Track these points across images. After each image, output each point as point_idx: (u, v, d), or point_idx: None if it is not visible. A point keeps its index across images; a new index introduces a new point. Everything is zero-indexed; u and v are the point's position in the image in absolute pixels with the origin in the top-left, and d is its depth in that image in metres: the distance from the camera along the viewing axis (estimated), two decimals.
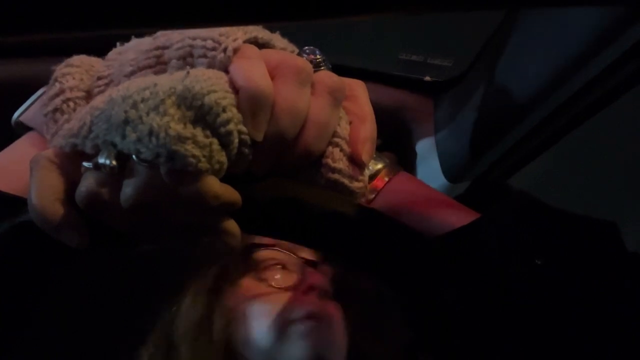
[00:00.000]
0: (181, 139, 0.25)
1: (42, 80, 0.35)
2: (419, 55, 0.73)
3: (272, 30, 0.32)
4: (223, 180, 0.28)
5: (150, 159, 0.25)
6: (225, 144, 0.27)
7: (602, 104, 0.51)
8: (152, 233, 0.29)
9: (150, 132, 0.25)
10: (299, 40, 0.34)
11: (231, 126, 0.26)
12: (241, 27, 0.30)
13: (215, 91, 0.26)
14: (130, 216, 0.27)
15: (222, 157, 0.27)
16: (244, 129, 0.27)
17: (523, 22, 0.55)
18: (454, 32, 0.70)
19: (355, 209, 0.31)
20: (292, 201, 0.30)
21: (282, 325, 0.53)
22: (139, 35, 0.34)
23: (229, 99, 0.27)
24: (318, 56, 0.33)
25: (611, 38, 0.46)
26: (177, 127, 0.25)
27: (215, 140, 0.26)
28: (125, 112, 0.26)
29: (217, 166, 0.26)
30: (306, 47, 0.33)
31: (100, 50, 0.37)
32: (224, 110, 0.26)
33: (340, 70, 0.33)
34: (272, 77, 0.28)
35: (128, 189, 0.26)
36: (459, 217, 0.32)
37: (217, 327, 0.56)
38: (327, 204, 0.30)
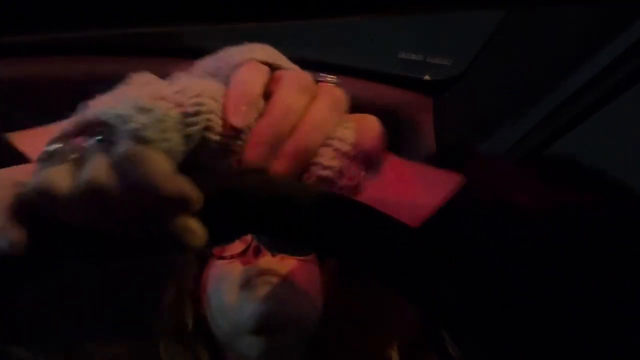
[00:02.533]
0: (141, 109, 0.27)
1: (42, 81, 0.35)
2: (419, 54, 0.73)
3: (272, 30, 0.32)
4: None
5: (111, 120, 0.27)
6: (189, 123, 0.28)
7: (602, 103, 0.51)
8: (110, 227, 0.28)
9: (123, 101, 0.27)
10: (299, 40, 0.34)
11: (201, 108, 0.28)
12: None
13: (197, 84, 0.29)
14: (83, 207, 0.26)
15: (175, 136, 0.28)
16: (213, 117, 0.29)
17: (522, 21, 0.55)
18: (453, 32, 0.70)
19: (345, 204, 0.31)
20: (283, 199, 0.30)
21: (238, 287, 0.56)
22: (138, 35, 0.34)
23: (209, 91, 0.29)
24: (329, 78, 0.34)
25: (611, 36, 0.46)
26: (143, 100, 0.27)
27: (173, 119, 0.27)
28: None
29: (166, 144, 0.27)
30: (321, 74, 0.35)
31: (100, 48, 0.37)
32: (197, 95, 0.28)
33: (340, 69, 0.33)
34: (276, 87, 0.29)
35: (80, 175, 0.26)
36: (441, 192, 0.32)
37: (187, 311, 0.60)
38: (316, 202, 0.30)
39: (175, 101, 0.28)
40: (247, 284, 0.56)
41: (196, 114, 0.28)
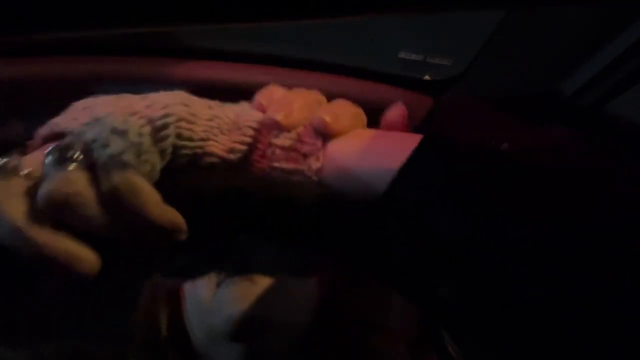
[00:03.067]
0: (115, 130, 0.27)
1: (42, 81, 0.35)
2: (419, 54, 0.73)
3: (272, 30, 0.33)
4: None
5: (89, 140, 0.26)
6: (160, 138, 0.28)
7: (602, 103, 0.51)
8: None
9: (95, 119, 0.27)
10: (299, 40, 0.34)
11: (169, 119, 0.28)
12: None
13: (165, 95, 0.30)
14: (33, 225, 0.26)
15: (152, 157, 0.28)
16: (184, 125, 0.29)
17: (522, 21, 0.55)
18: (453, 32, 0.70)
19: (345, 205, 0.31)
20: (283, 200, 0.30)
21: (215, 282, 0.49)
22: (138, 35, 0.34)
23: (178, 101, 0.29)
24: None
25: (611, 36, 0.46)
26: (114, 120, 0.27)
27: (146, 140, 0.28)
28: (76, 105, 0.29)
29: (147, 166, 0.28)
30: None
31: (100, 48, 0.37)
32: (165, 107, 0.29)
33: (340, 69, 0.33)
34: None
35: (44, 185, 0.25)
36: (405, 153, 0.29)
37: (162, 313, 0.53)
38: (316, 202, 0.30)
39: (147, 116, 0.28)
40: (223, 279, 0.49)
41: (164, 127, 0.28)
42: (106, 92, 0.31)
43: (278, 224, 0.32)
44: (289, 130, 0.32)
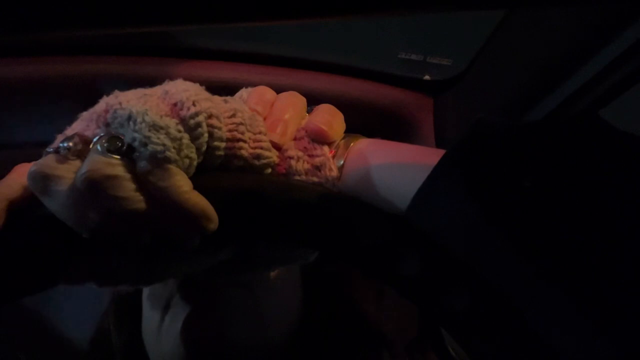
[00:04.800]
0: (155, 127, 0.27)
1: (42, 81, 0.35)
2: (419, 54, 0.73)
3: (272, 30, 0.33)
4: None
5: (128, 142, 0.27)
6: (195, 136, 0.28)
7: (602, 103, 0.51)
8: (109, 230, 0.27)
9: (129, 117, 0.27)
10: (299, 40, 0.34)
11: (200, 118, 0.29)
12: None
13: (187, 90, 0.30)
14: (76, 202, 0.26)
15: (191, 152, 0.28)
16: (215, 122, 0.29)
17: (522, 21, 0.55)
18: (453, 32, 0.70)
19: (350, 206, 0.31)
20: (287, 201, 0.30)
21: (164, 299, 0.42)
22: (138, 35, 0.34)
23: (202, 96, 0.29)
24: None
25: (612, 36, 0.46)
26: (153, 117, 0.27)
27: (186, 136, 0.28)
28: (107, 103, 0.29)
29: (186, 161, 0.28)
30: None
31: (101, 48, 0.37)
32: (194, 104, 0.29)
33: (340, 69, 0.33)
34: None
35: (84, 164, 0.26)
36: (426, 168, 0.30)
37: (122, 329, 0.48)
38: (320, 202, 0.30)
39: (177, 115, 0.28)
40: (171, 297, 0.41)
41: (197, 126, 0.29)
42: (106, 92, 0.31)
43: (282, 225, 0.31)
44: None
